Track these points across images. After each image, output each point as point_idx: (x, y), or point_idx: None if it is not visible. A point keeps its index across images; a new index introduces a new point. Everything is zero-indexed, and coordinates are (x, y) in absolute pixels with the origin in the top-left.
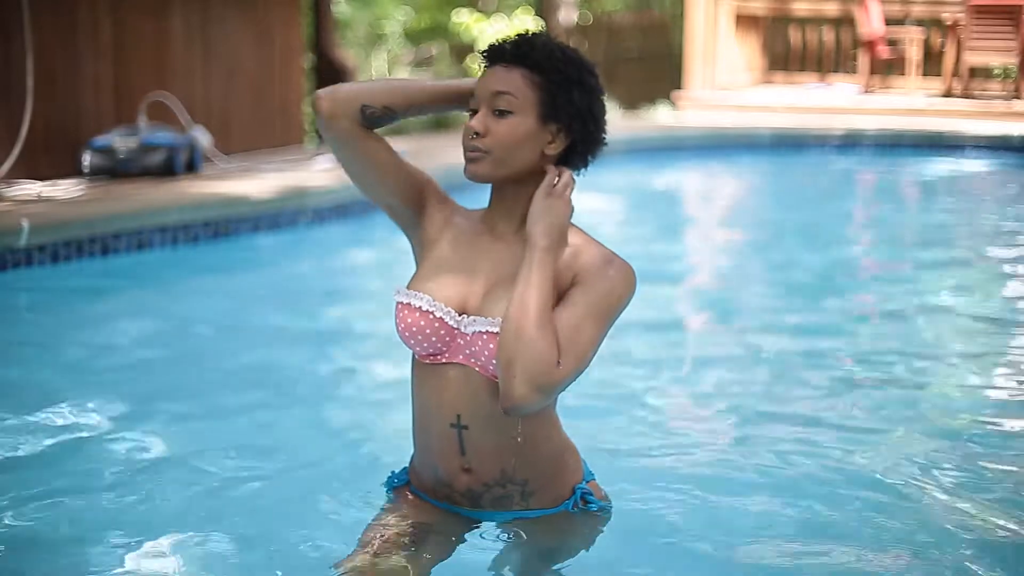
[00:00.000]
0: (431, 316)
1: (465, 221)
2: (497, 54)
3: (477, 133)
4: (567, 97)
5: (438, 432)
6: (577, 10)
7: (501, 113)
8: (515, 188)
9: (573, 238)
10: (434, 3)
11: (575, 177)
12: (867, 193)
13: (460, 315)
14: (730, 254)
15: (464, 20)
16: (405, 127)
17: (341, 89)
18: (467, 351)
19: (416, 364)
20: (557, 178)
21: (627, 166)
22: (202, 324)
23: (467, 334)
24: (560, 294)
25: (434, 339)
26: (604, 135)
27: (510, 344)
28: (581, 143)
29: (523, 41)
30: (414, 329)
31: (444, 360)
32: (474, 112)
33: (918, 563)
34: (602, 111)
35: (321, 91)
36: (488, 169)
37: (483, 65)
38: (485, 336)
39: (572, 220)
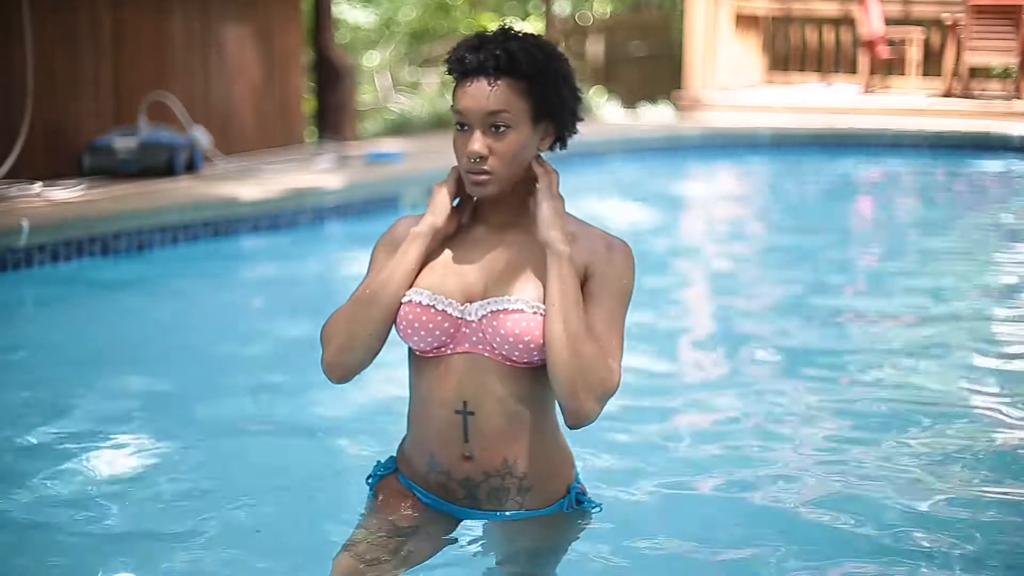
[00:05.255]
0: (433, 310)
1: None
2: (478, 69)
3: (481, 157)
4: (556, 94)
5: (441, 420)
6: (577, 10)
7: (498, 129)
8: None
9: (570, 225)
10: (439, 3)
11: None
12: (866, 193)
13: (464, 304)
14: (729, 254)
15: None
16: (405, 127)
17: (342, 363)
18: (474, 338)
19: (414, 359)
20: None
21: (627, 166)
22: (201, 324)
23: (472, 321)
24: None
25: (437, 332)
26: (581, 116)
27: (567, 364)
28: (566, 129)
29: (502, 52)
30: (416, 325)
31: (449, 352)
32: (461, 126)
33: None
34: (578, 95)
35: (331, 375)
36: (496, 188)
37: (456, 76)
38: (501, 315)
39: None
